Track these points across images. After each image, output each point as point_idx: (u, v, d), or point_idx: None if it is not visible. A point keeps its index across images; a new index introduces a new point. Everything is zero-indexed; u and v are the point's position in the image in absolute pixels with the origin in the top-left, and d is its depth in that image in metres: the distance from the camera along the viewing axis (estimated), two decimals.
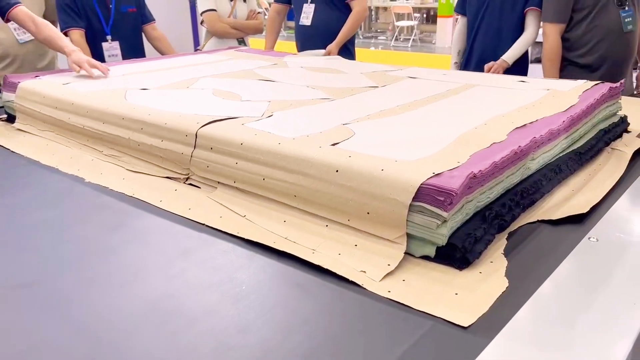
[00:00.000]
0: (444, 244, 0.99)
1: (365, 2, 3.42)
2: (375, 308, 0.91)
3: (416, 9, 12.79)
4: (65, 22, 2.89)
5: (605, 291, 0.92)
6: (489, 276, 0.97)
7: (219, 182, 1.32)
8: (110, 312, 0.91)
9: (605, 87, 1.67)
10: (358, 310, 0.91)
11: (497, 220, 1.09)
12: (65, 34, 2.82)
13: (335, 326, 0.87)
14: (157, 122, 1.44)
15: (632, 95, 2.77)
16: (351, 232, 1.09)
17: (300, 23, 3.47)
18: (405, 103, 1.60)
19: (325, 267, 1.01)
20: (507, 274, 0.97)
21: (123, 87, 1.84)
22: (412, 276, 0.98)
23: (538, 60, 5.40)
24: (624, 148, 1.57)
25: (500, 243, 1.08)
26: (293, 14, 3.61)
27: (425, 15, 13.58)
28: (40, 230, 1.22)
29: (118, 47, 3.05)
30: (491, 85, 1.85)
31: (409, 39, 12.28)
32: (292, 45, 3.71)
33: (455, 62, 3.25)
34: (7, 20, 2.33)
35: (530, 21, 2.91)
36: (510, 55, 2.89)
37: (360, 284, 0.96)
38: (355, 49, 3.62)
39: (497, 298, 0.91)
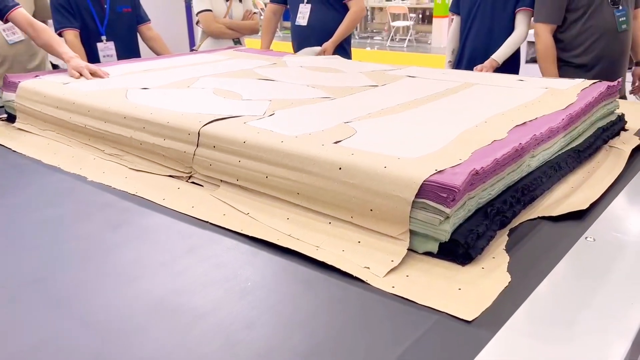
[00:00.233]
0: (447, 240, 1.00)
1: (362, 2, 3.43)
2: (379, 303, 0.92)
3: (412, 9, 12.84)
4: (59, 22, 2.88)
5: (603, 291, 0.93)
6: (492, 272, 0.98)
7: (221, 180, 1.33)
8: (118, 308, 0.92)
9: (603, 85, 1.68)
10: (363, 305, 0.92)
11: (499, 216, 1.11)
12: (60, 34, 2.81)
13: (340, 321, 0.88)
14: (160, 121, 1.45)
15: (623, 97, 2.78)
16: (354, 229, 1.10)
17: (296, 23, 3.47)
18: (406, 102, 1.61)
19: (329, 263, 1.02)
20: (509, 270, 0.99)
21: (123, 86, 1.85)
22: (415, 272, 1.00)
23: (533, 60, 5.43)
24: (622, 146, 1.58)
25: (502, 239, 1.09)
26: (289, 15, 3.62)
27: (420, 16, 13.62)
28: (44, 228, 1.22)
29: (113, 47, 3.04)
30: (490, 84, 1.86)
31: (405, 39, 12.31)
32: (288, 45, 3.71)
33: (449, 61, 3.26)
34: (6, 22, 2.33)
35: (520, 21, 2.92)
36: (500, 54, 2.90)
37: (365, 280, 0.97)
38: (351, 49, 3.62)
39: (500, 293, 0.92)
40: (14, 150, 1.71)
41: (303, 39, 3.43)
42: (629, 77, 2.97)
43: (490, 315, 0.87)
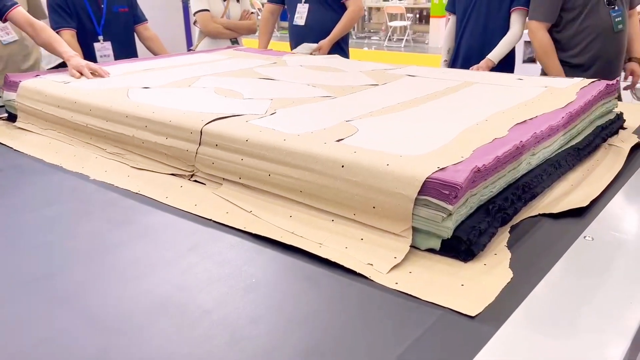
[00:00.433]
0: (450, 237, 1.01)
1: (360, 1, 3.43)
2: (383, 299, 0.93)
3: (409, 9, 12.84)
4: (56, 22, 2.86)
5: (602, 290, 0.93)
6: (494, 268, 0.99)
7: (224, 179, 1.33)
8: (124, 304, 0.93)
9: (602, 84, 1.70)
10: (367, 301, 0.93)
11: (500, 213, 1.12)
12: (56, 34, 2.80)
13: (344, 317, 0.89)
14: (162, 120, 1.46)
15: (619, 97, 2.79)
16: (357, 227, 1.11)
17: (294, 23, 3.47)
18: (406, 100, 1.62)
19: (332, 260, 1.03)
20: (511, 266, 0.99)
21: (124, 86, 1.85)
22: (418, 268, 1.00)
23: (530, 60, 5.45)
24: (621, 144, 1.59)
25: (503, 236, 1.10)
26: (286, 15, 3.62)
27: (418, 16, 13.62)
28: (48, 227, 1.23)
29: (110, 47, 3.03)
30: (489, 82, 1.87)
31: (402, 39, 12.32)
32: (286, 45, 3.71)
33: (445, 60, 3.27)
34: (5, 21, 2.33)
35: (516, 20, 2.92)
36: (496, 54, 2.91)
37: (368, 276, 0.98)
38: (349, 49, 3.63)
39: (502, 289, 0.93)
40: (15, 150, 1.71)
41: (301, 38, 3.43)
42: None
43: (493, 311, 0.88)
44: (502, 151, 1.13)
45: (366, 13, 14.29)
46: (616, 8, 2.69)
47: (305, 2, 3.41)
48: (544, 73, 2.89)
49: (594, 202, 1.23)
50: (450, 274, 0.98)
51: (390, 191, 1.05)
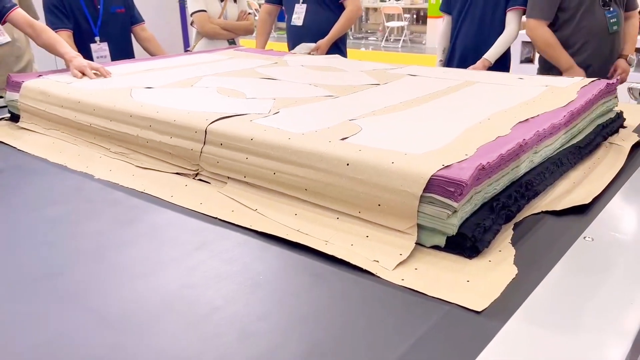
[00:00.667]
0: (454, 234, 1.02)
1: (359, 1, 3.44)
2: (390, 295, 0.94)
3: (406, 10, 12.87)
4: (52, 22, 2.85)
5: (602, 290, 0.93)
6: (498, 264, 1.01)
7: (229, 177, 1.34)
8: (133, 302, 0.94)
9: (603, 83, 1.71)
10: (374, 297, 0.94)
11: (504, 211, 1.13)
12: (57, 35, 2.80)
13: (352, 313, 0.90)
14: (166, 119, 1.46)
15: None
16: (362, 224, 1.12)
17: (291, 23, 3.47)
18: (408, 100, 1.63)
19: (339, 257, 1.03)
20: (515, 262, 1.01)
21: (127, 86, 1.86)
22: (423, 265, 1.01)
23: (528, 60, 5.47)
24: (622, 142, 1.61)
25: (507, 233, 1.11)
26: (283, 15, 3.63)
27: (415, 16, 13.65)
28: (54, 226, 1.23)
29: (107, 48, 3.03)
30: (490, 82, 1.89)
31: (399, 39, 12.34)
32: (283, 46, 3.72)
33: (440, 60, 3.28)
34: (4, 23, 2.33)
35: (511, 19, 2.93)
36: (492, 54, 2.92)
37: (374, 273, 0.99)
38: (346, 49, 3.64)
39: (507, 285, 0.94)
40: (19, 150, 1.72)
41: (298, 39, 3.44)
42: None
43: (498, 307, 0.89)
44: (506, 149, 1.14)
45: (363, 13, 14.30)
46: (611, 9, 2.71)
47: (303, 3, 3.41)
48: (540, 73, 2.91)
49: (595, 200, 1.25)
50: (456, 271, 0.99)
51: (395, 189, 1.06)
